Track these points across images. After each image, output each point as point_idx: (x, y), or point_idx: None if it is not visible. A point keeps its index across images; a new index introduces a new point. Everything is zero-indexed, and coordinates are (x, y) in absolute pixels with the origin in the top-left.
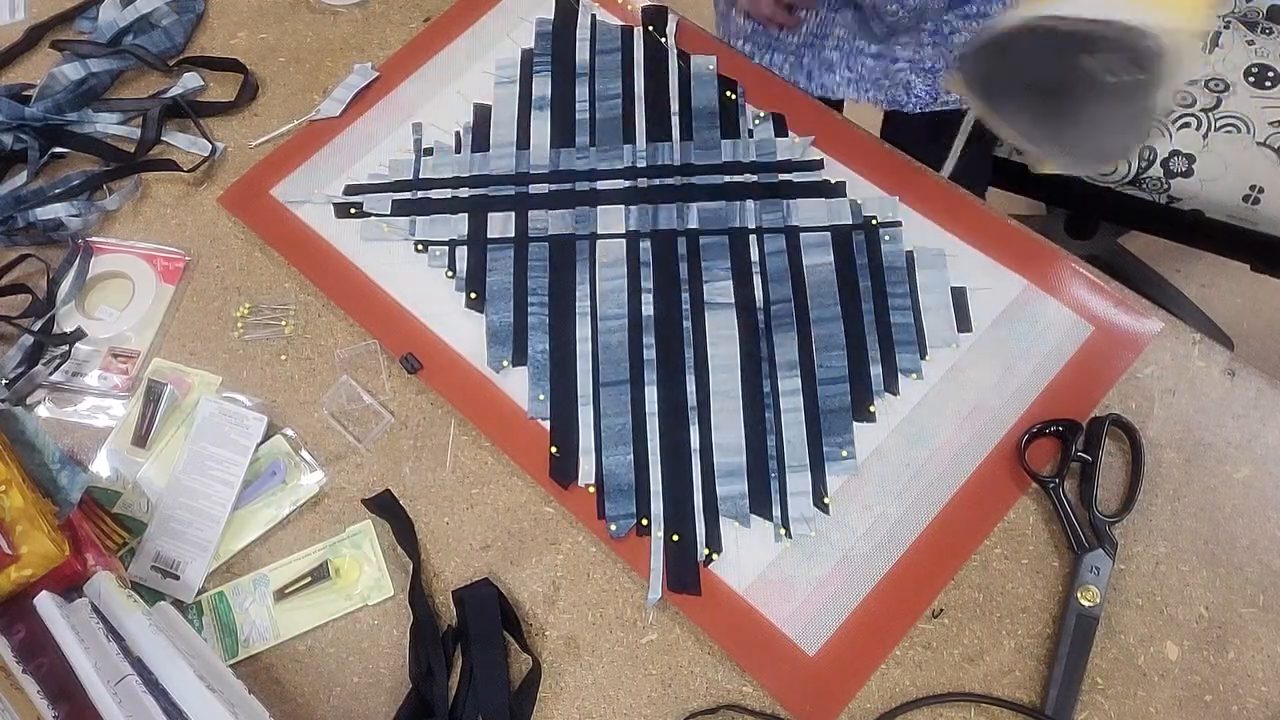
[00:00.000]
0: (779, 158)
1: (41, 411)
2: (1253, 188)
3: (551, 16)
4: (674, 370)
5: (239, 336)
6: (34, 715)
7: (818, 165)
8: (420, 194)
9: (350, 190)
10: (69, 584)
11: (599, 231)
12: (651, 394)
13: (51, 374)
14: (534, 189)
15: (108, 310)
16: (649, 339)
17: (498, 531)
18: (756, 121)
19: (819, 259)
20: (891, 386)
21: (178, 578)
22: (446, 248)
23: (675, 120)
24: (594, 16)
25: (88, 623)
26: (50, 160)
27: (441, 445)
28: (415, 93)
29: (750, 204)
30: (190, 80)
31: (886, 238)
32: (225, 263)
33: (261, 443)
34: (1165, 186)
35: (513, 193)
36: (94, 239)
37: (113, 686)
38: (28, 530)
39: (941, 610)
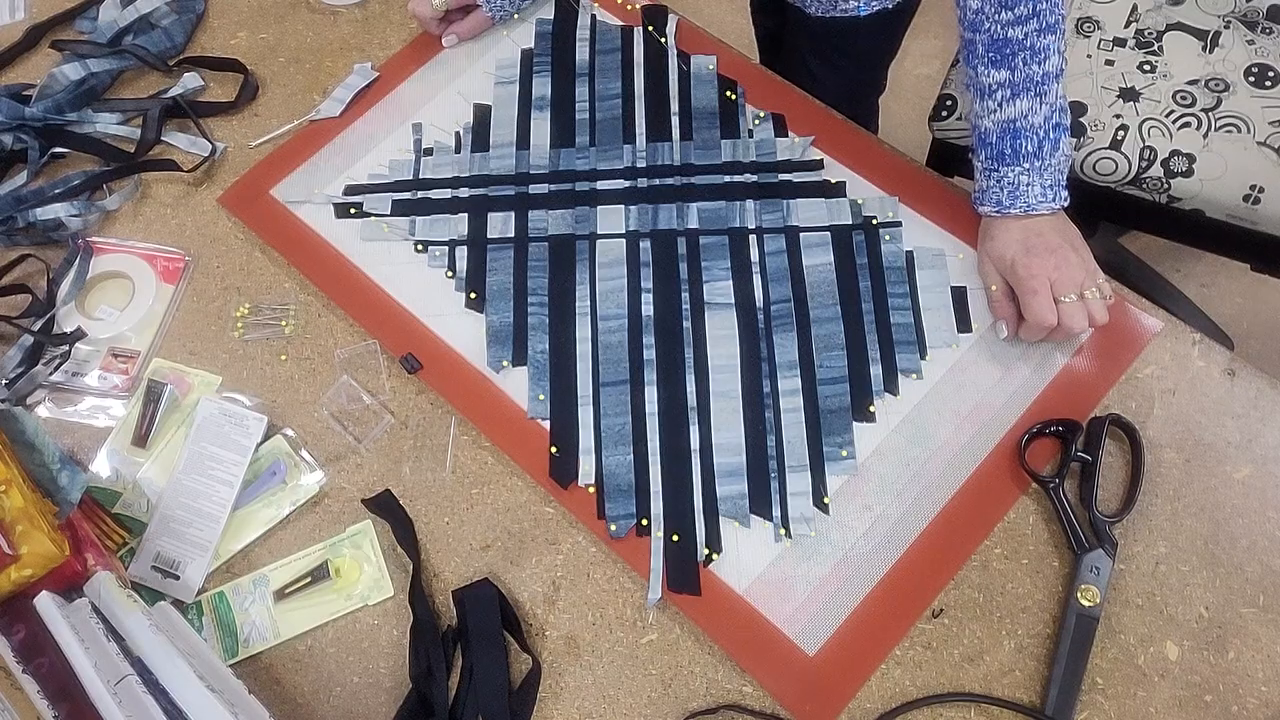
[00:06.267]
0: (779, 158)
1: (41, 411)
2: (1253, 187)
3: (551, 16)
4: (674, 370)
5: (239, 336)
6: (34, 715)
7: (818, 165)
8: (420, 194)
9: (350, 190)
10: (69, 584)
11: (599, 231)
12: (651, 394)
13: (51, 374)
14: (534, 189)
15: (108, 310)
16: (649, 339)
17: (498, 531)
18: (756, 121)
19: (819, 259)
20: (891, 386)
21: (178, 578)
22: (446, 248)
23: (675, 120)
24: (594, 16)
25: (88, 623)
26: (50, 160)
27: (441, 445)
28: (415, 93)
29: (750, 204)
30: (190, 80)
31: (886, 238)
32: (225, 263)
33: (261, 443)
34: (1165, 186)
35: (513, 193)
36: (94, 239)
37: (113, 686)
38: (28, 530)
39: (941, 610)
